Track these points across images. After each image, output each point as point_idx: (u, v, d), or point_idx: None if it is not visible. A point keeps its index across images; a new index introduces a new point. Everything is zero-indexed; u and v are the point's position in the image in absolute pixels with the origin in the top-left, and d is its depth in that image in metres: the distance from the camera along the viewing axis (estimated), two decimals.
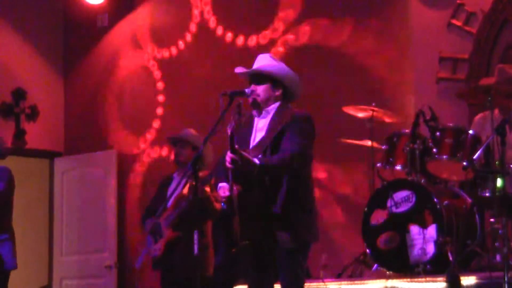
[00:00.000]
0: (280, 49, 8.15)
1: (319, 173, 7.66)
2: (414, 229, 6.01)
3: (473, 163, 5.95)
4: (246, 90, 4.85)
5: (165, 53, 9.14)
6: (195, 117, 8.32)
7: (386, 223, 6.20)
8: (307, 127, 4.77)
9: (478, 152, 5.95)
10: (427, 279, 5.64)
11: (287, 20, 8.24)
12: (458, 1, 7.33)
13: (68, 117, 9.79)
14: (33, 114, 9.52)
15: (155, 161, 9.04)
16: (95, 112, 9.58)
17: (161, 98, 9.14)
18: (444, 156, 6.20)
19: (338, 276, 6.57)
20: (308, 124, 4.79)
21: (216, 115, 4.70)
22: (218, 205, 5.81)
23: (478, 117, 6.55)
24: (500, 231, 5.67)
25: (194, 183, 4.68)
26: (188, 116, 8.60)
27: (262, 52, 5.13)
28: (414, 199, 6.12)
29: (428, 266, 5.88)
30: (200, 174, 6.17)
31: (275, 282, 4.83)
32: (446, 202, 6.06)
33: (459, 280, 5.38)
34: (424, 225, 5.99)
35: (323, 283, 6.08)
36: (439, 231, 5.91)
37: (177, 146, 6.54)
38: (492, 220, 5.91)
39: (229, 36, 8.62)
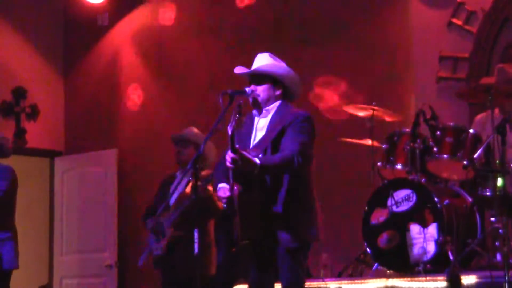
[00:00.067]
0: None
1: (319, 172, 7.64)
2: (415, 228, 6.01)
3: (474, 162, 5.96)
4: (247, 89, 4.84)
5: (165, 52, 9.15)
6: (197, 116, 8.32)
7: (387, 222, 6.21)
8: (308, 126, 4.77)
9: (479, 151, 5.97)
10: (428, 278, 5.64)
11: None
12: (458, 0, 7.34)
13: (69, 116, 9.80)
14: (33, 113, 9.52)
15: (156, 160, 9.03)
16: (96, 111, 9.59)
17: (161, 96, 9.15)
18: (445, 155, 6.21)
19: (339, 276, 6.56)
20: (308, 123, 4.78)
21: (217, 114, 4.70)
22: (220, 204, 5.81)
23: (478, 117, 6.56)
24: (500, 231, 5.67)
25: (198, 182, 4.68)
26: (190, 115, 8.60)
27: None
28: (414, 198, 6.12)
29: (428, 266, 5.88)
30: (203, 173, 6.18)
31: (276, 281, 4.83)
32: (446, 201, 6.06)
33: (460, 280, 5.38)
34: (424, 224, 5.99)
35: (323, 283, 6.08)
36: (439, 230, 5.91)
37: (179, 145, 6.52)
38: (492, 219, 5.91)
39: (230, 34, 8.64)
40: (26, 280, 7.37)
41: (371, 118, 6.87)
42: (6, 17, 9.36)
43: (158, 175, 8.91)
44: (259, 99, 4.84)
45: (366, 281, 5.97)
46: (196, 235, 4.65)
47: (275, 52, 5.02)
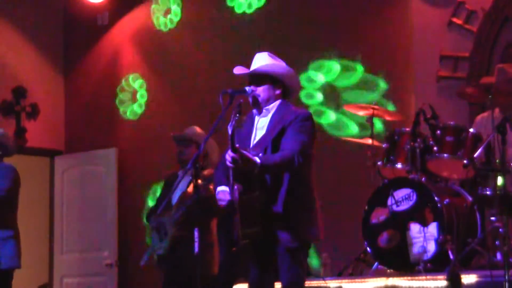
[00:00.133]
0: None
1: (320, 170, 7.65)
2: (415, 228, 6.01)
3: (474, 162, 5.96)
4: (247, 89, 4.84)
5: (165, 51, 9.15)
6: (197, 115, 8.32)
7: (387, 221, 6.21)
8: (308, 126, 4.76)
9: (479, 151, 5.96)
10: (428, 277, 5.64)
11: None
12: (458, 0, 7.33)
13: (69, 115, 9.80)
14: (33, 112, 9.52)
15: (156, 159, 9.04)
16: (96, 110, 9.59)
17: (162, 95, 9.15)
18: (445, 155, 6.21)
19: (339, 275, 6.56)
20: (309, 122, 4.78)
21: (217, 114, 4.70)
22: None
23: (479, 116, 6.56)
24: (500, 230, 5.67)
25: (198, 181, 4.68)
26: (190, 114, 8.60)
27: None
28: (414, 197, 6.12)
29: (428, 265, 5.88)
30: (205, 172, 6.18)
31: (276, 281, 4.83)
32: (446, 200, 6.06)
33: (460, 279, 5.38)
34: (424, 224, 5.99)
35: (323, 282, 6.08)
36: (439, 229, 5.92)
37: (181, 145, 6.51)
38: (492, 218, 5.91)
39: (230, 32, 8.64)
40: (26, 279, 7.36)
41: (372, 117, 6.87)
42: (6, 17, 9.36)
43: (158, 175, 8.94)
44: (259, 99, 4.84)
45: (366, 280, 5.97)
46: (196, 234, 4.65)
47: (274, 52, 5.01)
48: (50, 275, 9.46)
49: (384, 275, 6.00)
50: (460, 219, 6.01)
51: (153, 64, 9.27)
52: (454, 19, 7.35)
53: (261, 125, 4.84)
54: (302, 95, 7.91)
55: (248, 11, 8.50)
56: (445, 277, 5.45)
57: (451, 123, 6.32)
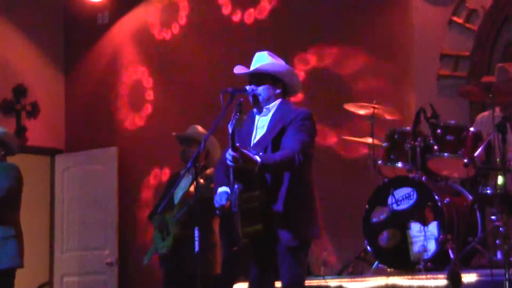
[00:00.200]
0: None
1: (320, 170, 7.65)
2: (415, 227, 6.01)
3: (474, 161, 5.96)
4: (247, 88, 4.84)
5: (166, 50, 9.15)
6: (197, 114, 8.31)
7: (387, 220, 6.20)
8: (308, 124, 4.76)
9: (479, 150, 5.96)
10: (428, 276, 5.64)
11: None
12: None
13: (69, 114, 9.80)
14: (34, 111, 9.52)
15: (156, 158, 9.04)
16: (96, 109, 9.59)
17: (162, 95, 9.15)
18: (445, 154, 6.20)
19: (339, 274, 6.56)
20: (309, 121, 4.78)
21: (217, 113, 4.70)
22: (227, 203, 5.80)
23: (480, 115, 6.56)
24: (501, 229, 5.67)
25: (200, 180, 4.68)
26: (190, 113, 8.59)
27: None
28: (415, 196, 6.12)
29: (429, 264, 5.88)
30: (207, 171, 6.17)
31: (276, 279, 4.83)
32: (447, 199, 6.06)
33: (460, 278, 5.38)
34: (425, 223, 5.99)
35: (324, 281, 6.08)
36: (440, 228, 5.92)
37: (184, 144, 6.50)
38: (493, 217, 5.91)
39: (230, 32, 8.64)
40: (26, 278, 7.36)
41: (372, 116, 6.87)
42: (7, 16, 9.36)
43: (158, 174, 8.95)
44: (260, 98, 4.83)
45: (366, 279, 5.97)
46: (197, 233, 4.65)
47: (275, 52, 5.01)
48: (51, 274, 9.46)
49: (385, 274, 6.01)
50: (460, 218, 6.01)
51: (154, 63, 9.26)
52: (455, 18, 7.34)
53: (261, 124, 4.84)
54: None
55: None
56: (446, 276, 5.45)
57: (452, 122, 6.31)
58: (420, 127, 6.34)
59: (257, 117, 4.88)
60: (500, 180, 5.60)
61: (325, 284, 6.04)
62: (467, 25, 7.30)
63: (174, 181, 6.58)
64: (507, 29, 7.14)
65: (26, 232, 6.78)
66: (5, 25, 9.36)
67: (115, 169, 9.15)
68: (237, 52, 8.28)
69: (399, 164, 6.43)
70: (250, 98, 4.84)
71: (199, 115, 8.17)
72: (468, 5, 7.31)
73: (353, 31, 7.86)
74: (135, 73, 9.37)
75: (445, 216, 5.94)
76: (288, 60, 5.01)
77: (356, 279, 6.04)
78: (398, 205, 6.18)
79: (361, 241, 6.49)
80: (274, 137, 4.72)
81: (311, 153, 4.76)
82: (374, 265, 6.27)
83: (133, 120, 9.33)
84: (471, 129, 6.22)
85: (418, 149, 6.25)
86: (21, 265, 6.62)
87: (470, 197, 6.18)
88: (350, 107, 7.01)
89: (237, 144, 4.51)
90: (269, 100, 4.85)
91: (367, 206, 6.35)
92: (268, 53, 4.93)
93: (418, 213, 6.05)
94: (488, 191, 5.92)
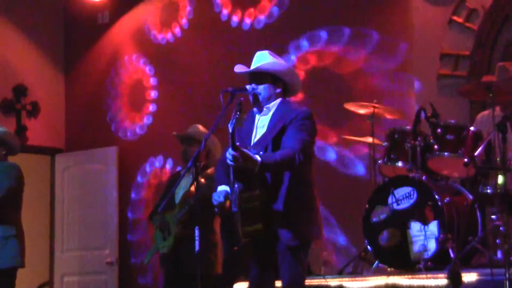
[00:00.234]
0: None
1: (321, 169, 7.66)
2: (415, 226, 6.00)
3: (474, 160, 5.95)
4: (247, 87, 4.84)
5: (166, 49, 9.15)
6: (197, 113, 8.32)
7: (387, 220, 6.20)
8: (308, 124, 4.75)
9: (479, 149, 5.96)
10: (428, 276, 5.64)
11: None
12: None
13: (69, 114, 9.80)
14: (34, 110, 9.52)
15: (156, 157, 9.04)
16: (96, 109, 9.59)
17: (162, 94, 9.15)
18: (445, 153, 6.20)
19: (339, 273, 6.56)
20: (309, 120, 4.77)
21: (217, 112, 4.70)
22: (227, 203, 5.80)
23: (480, 114, 6.56)
24: (501, 228, 5.67)
25: (201, 180, 4.68)
26: (190, 112, 8.60)
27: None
28: (415, 195, 6.12)
29: (429, 263, 5.88)
30: (209, 171, 6.17)
31: (276, 279, 4.83)
32: (447, 199, 6.06)
33: (460, 277, 5.37)
34: (425, 222, 5.98)
35: (324, 280, 6.07)
36: (440, 228, 5.91)
37: (185, 144, 6.49)
38: (493, 217, 5.91)
39: (230, 31, 8.64)
40: (26, 278, 7.36)
41: (372, 115, 6.87)
42: (7, 16, 9.36)
43: (158, 174, 8.95)
44: (260, 97, 4.83)
45: (367, 278, 5.97)
46: (197, 232, 4.65)
47: (275, 52, 5.01)
48: (51, 274, 9.46)
49: (385, 273, 6.00)
50: (460, 218, 6.01)
51: (154, 63, 9.26)
52: (455, 18, 7.34)
53: (261, 123, 4.84)
54: None
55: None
56: (446, 275, 5.44)
57: (452, 121, 6.31)
58: (420, 127, 6.34)
59: (257, 116, 4.88)
60: (500, 179, 5.60)
61: (326, 283, 6.04)
62: (467, 24, 7.30)
63: (174, 180, 6.57)
64: (507, 29, 7.14)
65: (26, 232, 6.78)
66: (5, 24, 9.36)
67: (115, 168, 9.15)
68: (237, 51, 8.29)
69: (399, 164, 6.43)
70: (251, 97, 4.84)
71: (200, 114, 8.17)
72: (468, 4, 7.31)
73: (354, 30, 7.86)
74: (135, 73, 9.37)
75: (445, 215, 5.94)
76: (288, 60, 5.01)
77: (356, 279, 6.03)
78: (398, 204, 6.18)
79: (361, 241, 6.49)
80: (274, 137, 4.72)
81: (311, 152, 4.76)
82: (374, 265, 6.27)
83: (133, 120, 9.33)
84: (471, 128, 6.22)
85: (418, 148, 6.25)
86: (22, 265, 6.61)
87: (470, 197, 6.18)
88: (350, 107, 7.01)
89: (237, 144, 4.51)
90: (269, 99, 4.84)
91: (367, 206, 6.35)
92: (269, 52, 4.93)
93: (418, 213, 6.05)
94: (488, 191, 5.92)
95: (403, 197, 6.16)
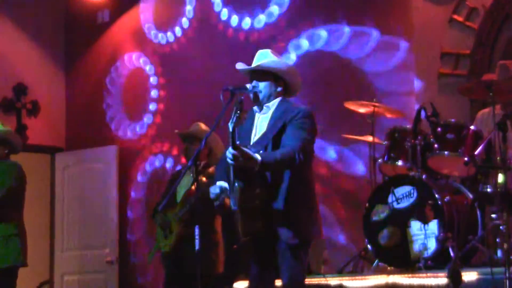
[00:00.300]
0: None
1: (321, 168, 7.66)
2: (415, 225, 6.00)
3: (475, 159, 5.95)
4: (248, 86, 4.83)
5: (166, 48, 9.15)
6: (197, 112, 8.31)
7: (387, 218, 6.20)
8: (308, 122, 4.75)
9: (480, 148, 5.95)
10: (428, 274, 5.63)
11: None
12: None
13: (69, 113, 9.80)
14: (34, 109, 9.52)
15: (156, 156, 9.04)
16: (96, 108, 9.59)
17: (162, 93, 9.15)
18: (446, 152, 6.20)
19: (339, 272, 6.56)
20: (309, 119, 4.77)
21: (217, 110, 4.70)
22: (227, 201, 5.80)
23: (480, 112, 6.56)
24: (501, 227, 5.66)
25: (203, 178, 4.67)
26: (190, 111, 8.59)
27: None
28: (415, 194, 6.12)
29: (429, 262, 5.88)
30: (210, 170, 6.16)
31: (276, 278, 4.83)
32: (447, 197, 6.06)
33: (460, 276, 5.37)
34: (425, 221, 5.98)
35: (324, 279, 6.07)
36: (440, 226, 5.91)
37: (187, 142, 6.49)
38: (493, 216, 5.91)
39: (230, 30, 8.64)
40: (27, 277, 7.36)
41: (372, 114, 6.87)
42: (7, 15, 9.37)
43: (159, 172, 8.95)
44: (260, 95, 4.82)
45: (367, 277, 5.96)
46: (197, 231, 4.65)
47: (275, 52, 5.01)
48: (51, 273, 9.46)
49: (385, 272, 6.00)
50: (460, 217, 6.01)
51: (154, 61, 9.26)
52: (455, 16, 7.34)
53: (261, 122, 4.83)
54: None
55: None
56: (446, 274, 5.44)
57: (452, 120, 6.31)
58: (421, 126, 6.34)
59: (257, 115, 4.87)
60: (500, 178, 5.60)
61: (326, 282, 6.04)
62: (468, 23, 7.30)
63: (176, 179, 6.57)
64: (507, 28, 7.14)
65: (26, 231, 6.78)
66: (6, 23, 9.36)
67: (115, 167, 9.15)
68: (238, 49, 8.29)
69: (400, 163, 6.43)
70: (251, 96, 4.83)
71: (200, 113, 8.16)
72: (469, 3, 7.30)
73: (354, 29, 7.86)
74: (136, 72, 9.37)
75: (446, 214, 5.94)
76: (288, 59, 5.01)
77: (357, 278, 6.03)
78: (398, 203, 6.18)
79: (361, 240, 6.49)
80: (275, 135, 4.71)
81: (311, 151, 4.76)
82: (374, 264, 6.27)
83: (133, 119, 9.33)
84: (472, 127, 6.22)
85: (418, 147, 6.25)
86: (24, 264, 6.61)
87: (471, 196, 6.18)
88: (351, 106, 7.01)
89: (237, 142, 4.50)
90: (269, 98, 4.84)
91: (367, 205, 6.35)
92: (271, 51, 4.93)
93: (418, 212, 6.05)
94: (489, 190, 5.92)
95: (403, 196, 6.16)
